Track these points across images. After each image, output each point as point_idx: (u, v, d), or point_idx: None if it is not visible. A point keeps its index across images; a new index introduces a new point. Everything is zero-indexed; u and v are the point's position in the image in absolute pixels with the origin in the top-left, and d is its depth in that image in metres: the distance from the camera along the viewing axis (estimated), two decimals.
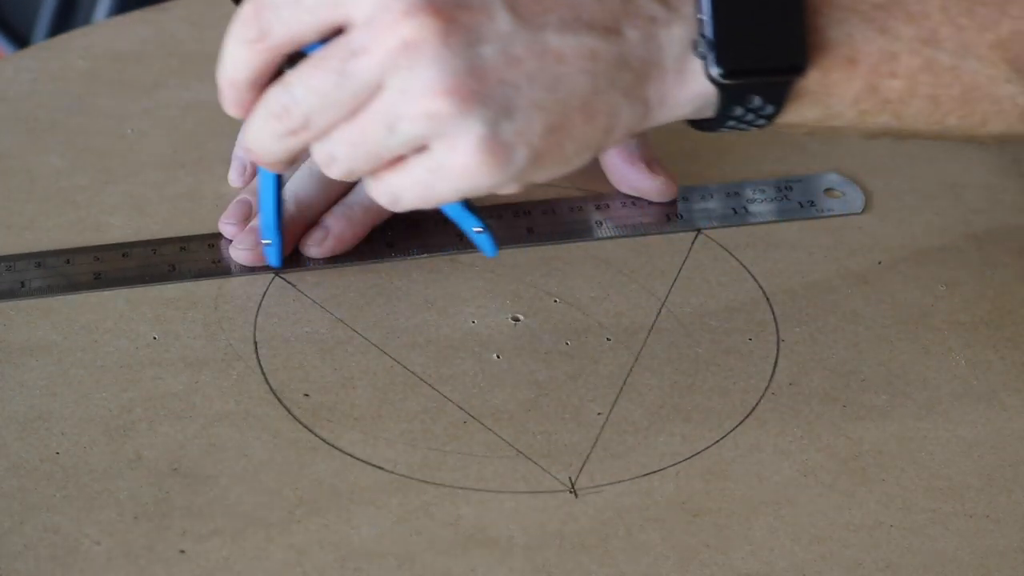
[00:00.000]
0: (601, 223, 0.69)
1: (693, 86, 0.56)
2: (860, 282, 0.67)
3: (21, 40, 1.38)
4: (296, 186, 0.66)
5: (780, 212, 0.70)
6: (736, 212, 0.70)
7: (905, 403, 0.61)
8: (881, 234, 0.70)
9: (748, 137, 0.75)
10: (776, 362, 0.63)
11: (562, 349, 0.63)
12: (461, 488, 0.57)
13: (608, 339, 0.64)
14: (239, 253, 0.66)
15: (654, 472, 0.58)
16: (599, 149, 0.56)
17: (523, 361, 0.62)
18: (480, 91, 0.52)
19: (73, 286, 0.64)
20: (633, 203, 0.70)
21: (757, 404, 0.61)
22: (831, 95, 0.58)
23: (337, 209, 0.67)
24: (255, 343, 0.63)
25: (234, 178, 0.70)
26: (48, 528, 0.54)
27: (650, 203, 0.70)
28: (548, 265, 0.67)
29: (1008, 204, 0.72)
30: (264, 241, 0.65)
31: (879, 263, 0.68)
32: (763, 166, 0.74)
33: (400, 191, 0.55)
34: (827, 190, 0.72)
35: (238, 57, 0.56)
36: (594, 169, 0.71)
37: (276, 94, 0.55)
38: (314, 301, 0.65)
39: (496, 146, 0.53)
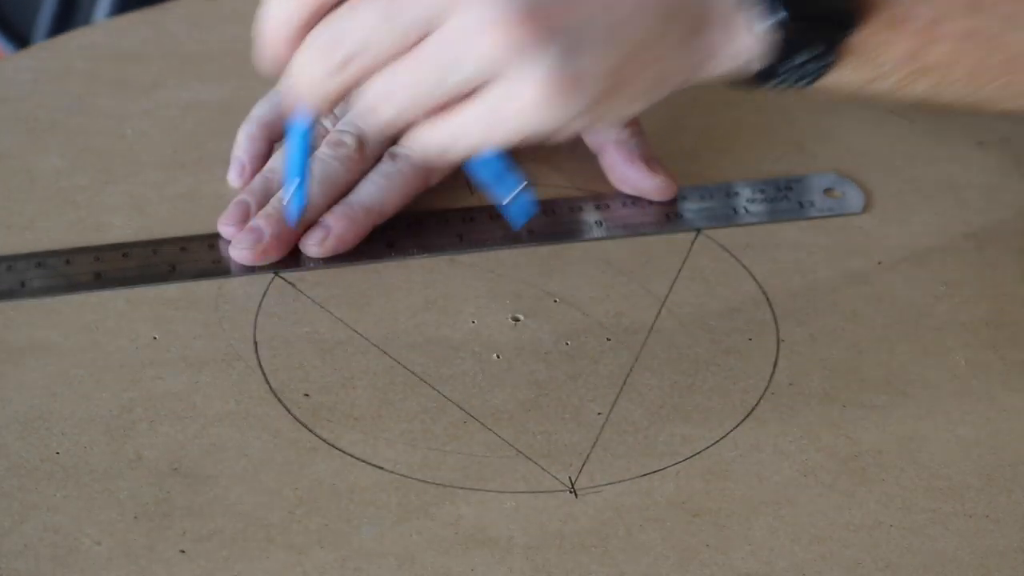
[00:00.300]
0: (601, 223, 0.69)
1: (743, 39, 0.56)
2: (860, 282, 0.67)
3: (21, 40, 1.38)
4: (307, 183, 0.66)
5: (780, 212, 0.70)
6: (736, 212, 0.70)
7: (905, 403, 0.61)
8: (881, 234, 0.70)
9: (748, 137, 0.75)
10: (776, 362, 0.63)
11: (562, 349, 0.63)
12: (461, 488, 0.57)
13: (608, 339, 0.64)
14: (238, 253, 0.66)
15: (654, 472, 0.58)
16: (651, 99, 0.56)
17: (523, 361, 0.62)
18: (543, 27, 0.52)
19: (73, 286, 0.64)
20: (633, 203, 0.70)
21: (757, 404, 0.61)
22: (877, 55, 0.58)
23: (338, 209, 0.67)
24: (255, 343, 0.63)
25: (233, 178, 0.70)
26: (48, 528, 0.54)
27: (650, 203, 0.70)
28: (548, 265, 0.67)
29: (1008, 204, 0.72)
30: (287, 197, 0.64)
31: (879, 263, 0.68)
32: (763, 166, 0.74)
33: (457, 134, 0.54)
34: (827, 190, 0.72)
35: (283, 8, 0.55)
36: (594, 169, 0.71)
37: (323, 28, 0.54)
38: (314, 301, 0.65)
39: (562, 82, 0.53)
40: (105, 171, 0.71)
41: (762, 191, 0.71)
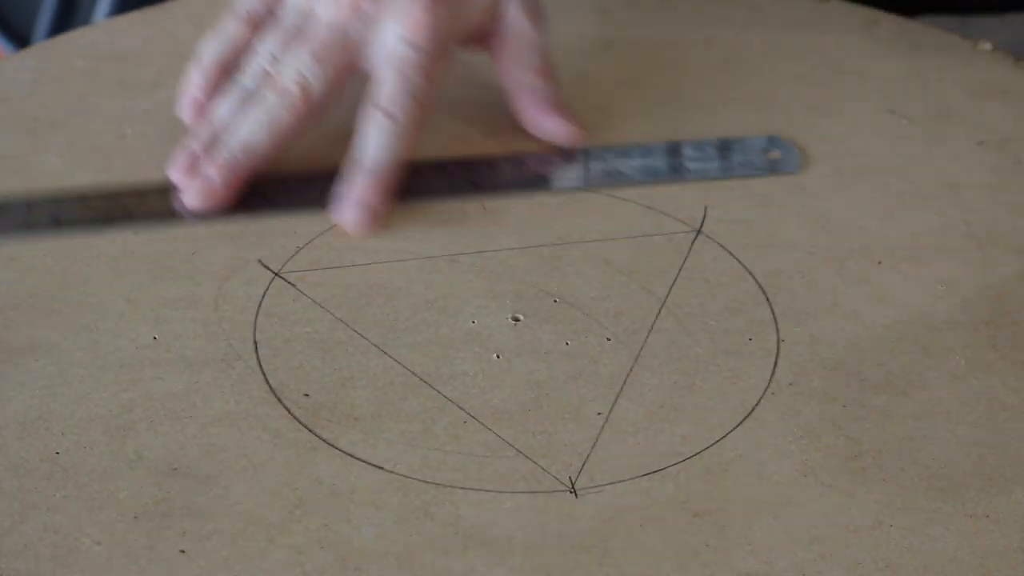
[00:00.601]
0: (547, 180, 0.72)
1: None
2: (860, 282, 0.67)
3: (21, 40, 1.38)
4: (246, 135, 0.69)
5: (718, 171, 0.72)
6: (674, 169, 0.72)
7: (905, 403, 0.61)
8: (881, 234, 0.70)
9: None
10: (776, 362, 0.63)
11: (562, 349, 0.63)
12: (461, 488, 0.57)
13: (608, 339, 0.64)
14: (191, 200, 0.68)
15: (654, 472, 0.58)
16: None
17: (523, 361, 0.62)
18: None
19: (32, 228, 0.67)
20: (569, 159, 0.73)
21: (757, 404, 0.61)
22: None
23: (219, 156, 0.69)
24: (255, 343, 0.63)
25: (188, 114, 0.72)
26: (48, 528, 0.54)
27: (589, 161, 0.73)
28: (548, 265, 0.67)
29: (1008, 204, 0.72)
30: None
31: (879, 263, 0.68)
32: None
33: None
34: (764, 151, 0.73)
35: None
36: (517, 127, 0.74)
37: None
38: (314, 301, 0.65)
39: None
40: (105, 171, 0.71)
41: (701, 150, 0.74)
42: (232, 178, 0.68)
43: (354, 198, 0.68)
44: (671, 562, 0.54)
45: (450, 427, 0.59)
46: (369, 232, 0.68)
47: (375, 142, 0.69)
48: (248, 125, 0.69)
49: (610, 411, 0.60)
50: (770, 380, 0.62)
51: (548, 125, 0.74)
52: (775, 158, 0.73)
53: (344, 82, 0.71)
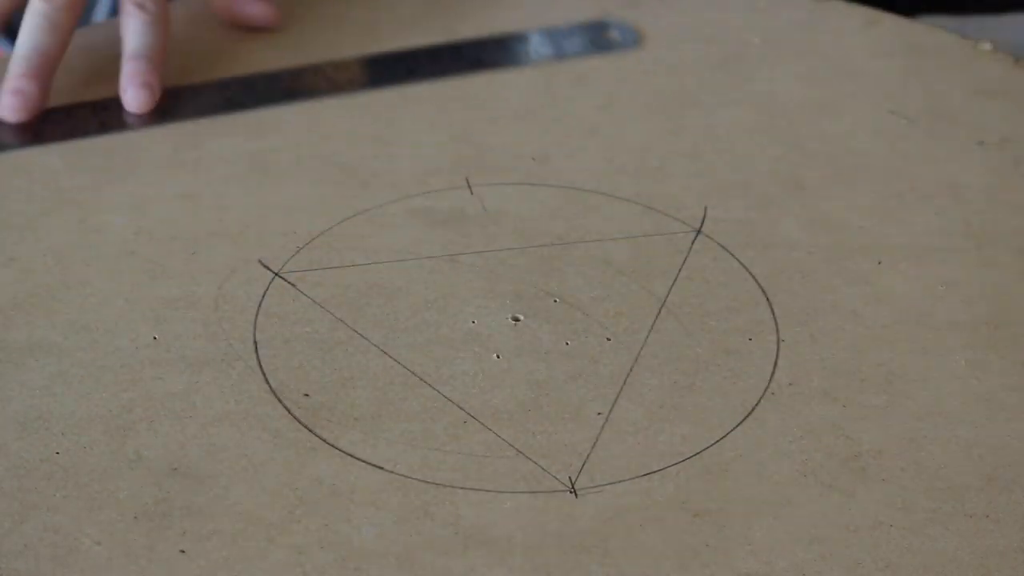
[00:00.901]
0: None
1: None
2: (860, 282, 0.67)
3: None
4: (34, 40, 0.74)
5: (562, 53, 0.78)
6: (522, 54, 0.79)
7: (905, 403, 0.61)
8: (881, 234, 0.70)
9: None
10: (776, 362, 0.63)
11: (562, 349, 0.63)
12: (461, 488, 0.57)
13: (608, 339, 0.64)
14: (9, 114, 0.74)
15: (654, 472, 0.58)
16: None
17: (523, 361, 0.62)
18: None
19: None
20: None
21: (757, 404, 0.61)
22: None
23: (20, 67, 0.74)
24: (255, 343, 0.63)
25: None
26: (48, 528, 0.54)
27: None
28: (548, 265, 0.67)
29: (1008, 204, 0.72)
30: None
31: (879, 263, 0.68)
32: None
33: None
34: (604, 32, 0.78)
35: None
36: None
37: None
38: (314, 301, 0.65)
39: None
40: (105, 171, 0.71)
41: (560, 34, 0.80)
42: (42, 83, 0.74)
43: (136, 81, 0.74)
44: (671, 562, 0.54)
45: (450, 427, 0.59)
46: (150, 109, 0.74)
47: (137, 34, 0.76)
48: (32, 32, 0.75)
49: (610, 411, 0.60)
50: (770, 380, 0.62)
51: (250, 9, 0.80)
52: (613, 38, 0.78)
53: None
